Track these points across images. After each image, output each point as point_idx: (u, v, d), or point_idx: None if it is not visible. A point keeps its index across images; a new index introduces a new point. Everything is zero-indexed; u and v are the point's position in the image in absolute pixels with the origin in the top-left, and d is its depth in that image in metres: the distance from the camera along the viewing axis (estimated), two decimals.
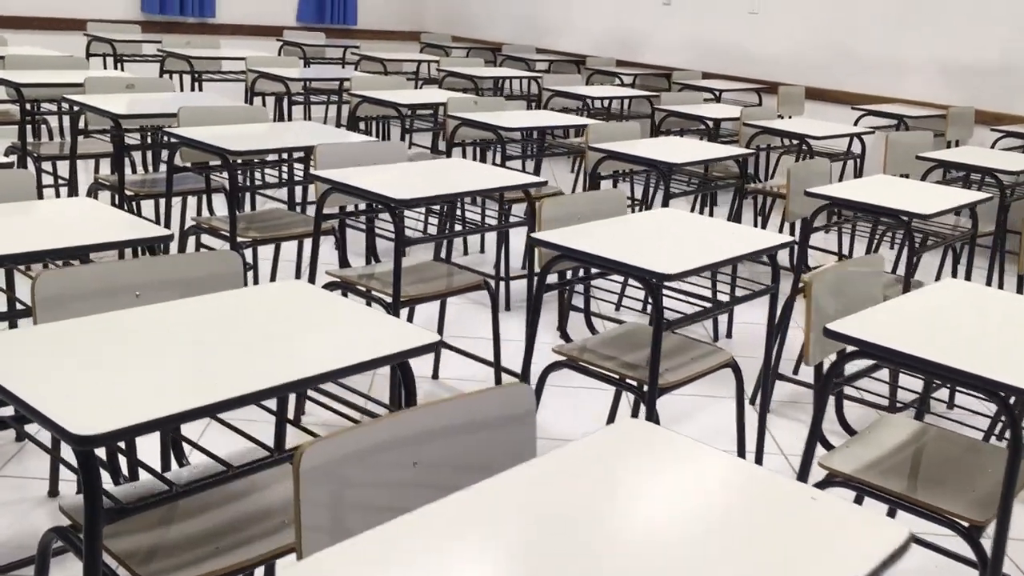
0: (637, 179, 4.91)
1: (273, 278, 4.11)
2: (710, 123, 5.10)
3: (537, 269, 2.47)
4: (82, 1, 7.51)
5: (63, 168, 4.64)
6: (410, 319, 3.55)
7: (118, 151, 3.48)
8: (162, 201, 3.79)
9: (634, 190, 5.27)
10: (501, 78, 6.30)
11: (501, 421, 1.34)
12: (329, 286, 2.82)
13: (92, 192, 3.71)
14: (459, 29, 9.51)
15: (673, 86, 6.97)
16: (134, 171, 4.68)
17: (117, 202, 3.56)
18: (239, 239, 3.15)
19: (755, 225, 4.93)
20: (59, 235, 2.01)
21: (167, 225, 3.64)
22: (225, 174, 3.08)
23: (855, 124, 5.84)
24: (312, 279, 3.07)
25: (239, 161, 3.14)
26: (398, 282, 2.67)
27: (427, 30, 9.68)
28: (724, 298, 4.11)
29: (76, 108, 3.66)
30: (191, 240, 3.38)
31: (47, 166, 4.30)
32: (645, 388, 2.36)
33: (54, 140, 4.81)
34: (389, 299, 2.73)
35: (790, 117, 6.15)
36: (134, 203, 3.64)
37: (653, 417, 2.29)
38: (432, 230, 4.81)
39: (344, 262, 3.17)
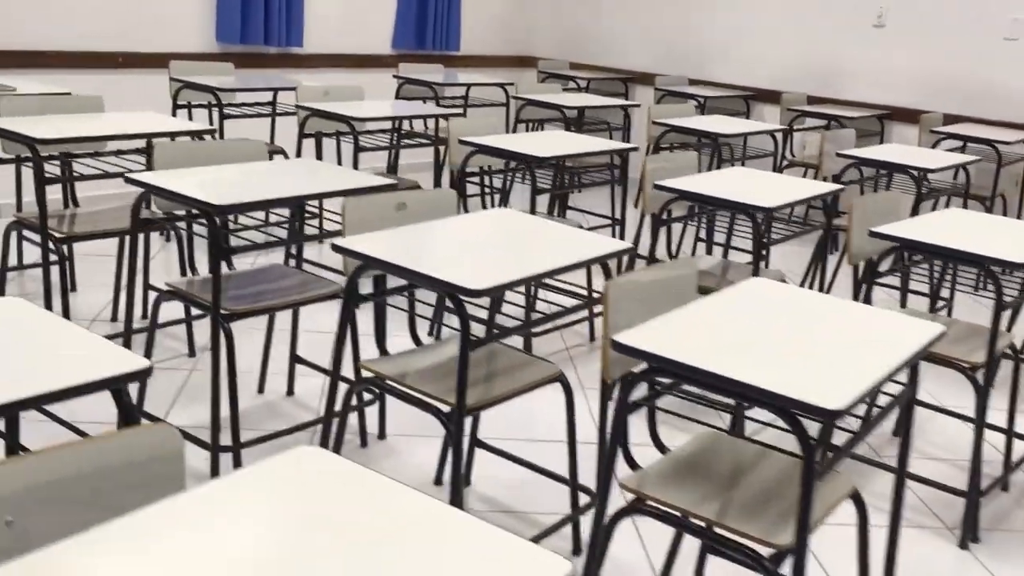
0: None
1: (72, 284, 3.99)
2: None
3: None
4: (147, 31, 5.88)
5: None
6: (269, 331, 3.20)
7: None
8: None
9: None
10: (747, 135, 4.75)
11: (136, 468, 1.16)
12: (166, 295, 2.65)
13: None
14: (577, 54, 7.97)
15: (926, 135, 5.50)
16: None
17: None
18: (54, 234, 3.06)
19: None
20: None
21: None
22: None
23: None
24: (145, 286, 3.40)
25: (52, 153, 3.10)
26: (217, 295, 2.45)
27: (538, 55, 8.15)
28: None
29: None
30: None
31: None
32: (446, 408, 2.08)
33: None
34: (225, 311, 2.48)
35: None
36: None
37: (459, 440, 2.02)
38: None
39: (188, 269, 3.20)
